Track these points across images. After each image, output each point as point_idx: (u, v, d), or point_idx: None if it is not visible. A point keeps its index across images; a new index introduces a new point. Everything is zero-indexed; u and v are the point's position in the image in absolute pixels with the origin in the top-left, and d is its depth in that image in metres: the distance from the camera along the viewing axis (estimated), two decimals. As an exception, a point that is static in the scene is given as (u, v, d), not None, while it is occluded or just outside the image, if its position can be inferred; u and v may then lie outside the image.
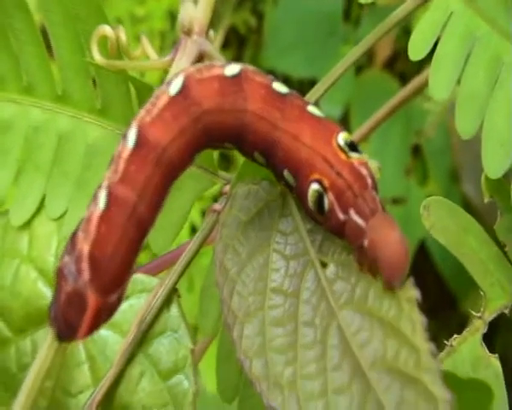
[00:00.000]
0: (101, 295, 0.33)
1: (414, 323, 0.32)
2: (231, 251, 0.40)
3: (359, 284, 0.35)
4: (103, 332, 0.47)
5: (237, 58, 1.48)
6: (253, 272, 0.39)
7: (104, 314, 0.34)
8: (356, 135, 0.75)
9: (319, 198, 0.36)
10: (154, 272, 0.49)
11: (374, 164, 0.38)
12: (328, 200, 0.35)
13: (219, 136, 0.36)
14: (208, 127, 0.35)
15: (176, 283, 0.46)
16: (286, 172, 0.37)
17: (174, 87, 0.35)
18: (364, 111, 1.19)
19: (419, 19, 0.55)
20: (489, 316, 0.46)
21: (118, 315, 0.47)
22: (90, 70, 0.47)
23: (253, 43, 1.50)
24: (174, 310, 0.46)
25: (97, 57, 0.43)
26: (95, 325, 0.34)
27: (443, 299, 1.20)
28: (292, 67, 1.33)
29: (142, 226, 0.34)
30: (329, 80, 0.55)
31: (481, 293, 0.47)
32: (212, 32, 0.40)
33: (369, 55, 1.40)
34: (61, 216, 0.47)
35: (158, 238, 0.47)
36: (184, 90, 0.35)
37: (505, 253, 0.47)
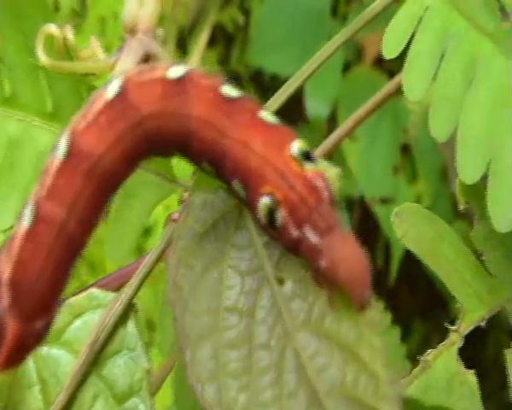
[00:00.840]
0: (24, 322, 0.30)
1: (374, 348, 0.30)
2: (185, 266, 0.37)
3: (317, 303, 0.33)
4: (55, 352, 0.44)
5: (224, 56, 1.45)
6: (208, 288, 0.36)
7: (29, 342, 0.31)
8: (340, 131, 0.71)
9: (271, 213, 0.33)
10: (111, 286, 0.46)
11: (334, 171, 0.36)
12: (281, 215, 0.32)
13: (162, 143, 0.33)
14: (149, 134, 0.32)
15: (132, 297, 0.43)
16: (236, 183, 0.34)
17: (111, 90, 0.32)
18: (353, 109, 1.17)
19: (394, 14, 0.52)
20: (465, 329, 0.43)
21: (71, 334, 0.45)
22: (40, 72, 0.45)
23: (241, 41, 1.47)
24: (131, 327, 0.43)
25: (42, 58, 0.40)
26: (18, 354, 0.31)
27: (434, 300, 1.17)
28: (278, 65, 1.30)
29: (73, 245, 0.31)
30: (304, 75, 0.52)
31: (458, 305, 0.44)
32: (161, 31, 0.38)
33: (357, 53, 1.37)
34: (9, 229, 0.44)
35: (113, 251, 0.44)
36: (122, 93, 0.32)
37: (482, 262, 0.44)
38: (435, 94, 0.46)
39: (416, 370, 0.42)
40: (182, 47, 1.33)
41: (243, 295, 0.35)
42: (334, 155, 1.23)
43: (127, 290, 0.43)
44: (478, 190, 0.43)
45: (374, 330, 0.30)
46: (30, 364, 0.44)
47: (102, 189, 0.32)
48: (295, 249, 0.33)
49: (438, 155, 1.15)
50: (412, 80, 0.47)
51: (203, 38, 1.37)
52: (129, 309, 0.43)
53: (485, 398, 0.43)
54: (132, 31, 0.36)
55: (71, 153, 0.31)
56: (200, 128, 0.33)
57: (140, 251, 0.72)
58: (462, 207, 0.44)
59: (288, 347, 0.33)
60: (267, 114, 0.34)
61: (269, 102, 0.50)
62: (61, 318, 0.44)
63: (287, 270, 0.35)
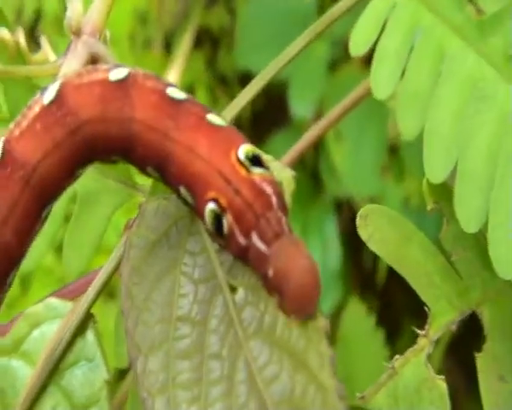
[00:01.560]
0: None
1: (322, 356, 0.28)
2: (138, 274, 0.36)
3: (268, 311, 0.31)
4: (13, 363, 0.42)
5: (210, 58, 1.44)
6: (160, 297, 0.35)
7: None
8: (321, 125, 0.70)
9: (217, 219, 0.31)
10: (70, 296, 0.45)
11: (288, 174, 0.34)
12: (227, 221, 0.31)
13: (104, 149, 0.32)
14: (89, 139, 0.31)
15: (90, 307, 0.42)
16: (182, 189, 0.33)
17: (48, 95, 0.31)
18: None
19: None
20: (434, 334, 0.42)
21: (29, 345, 0.44)
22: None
23: (227, 42, 1.46)
24: (89, 337, 0.42)
25: (-8, 63, 0.39)
26: None
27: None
28: (264, 66, 1.29)
29: (8, 257, 0.30)
30: (272, 71, 0.51)
31: (426, 309, 0.43)
32: (107, 33, 0.36)
33: (345, 51, 1.36)
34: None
35: (71, 259, 0.43)
36: (60, 97, 0.31)
37: (452, 264, 0.43)
38: (403, 91, 0.45)
39: (383, 377, 0.41)
40: (168, 50, 1.31)
41: (196, 303, 0.34)
42: (320, 156, 1.22)
43: (85, 300, 0.42)
44: (446, 190, 0.42)
45: (322, 337, 0.29)
46: (-13, 377, 0.43)
47: (39, 198, 0.31)
48: (243, 258, 0.31)
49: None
50: (380, 78, 0.46)
51: (188, 40, 1.36)
52: (87, 319, 0.42)
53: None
54: (77, 32, 0.35)
55: (5, 161, 0.30)
56: (143, 132, 0.31)
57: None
58: (429, 207, 0.43)
59: (239, 357, 0.32)
60: (214, 117, 0.32)
61: (236, 100, 0.49)
62: (18, 328, 0.43)
63: (239, 276, 0.34)
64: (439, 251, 0.43)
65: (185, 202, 0.33)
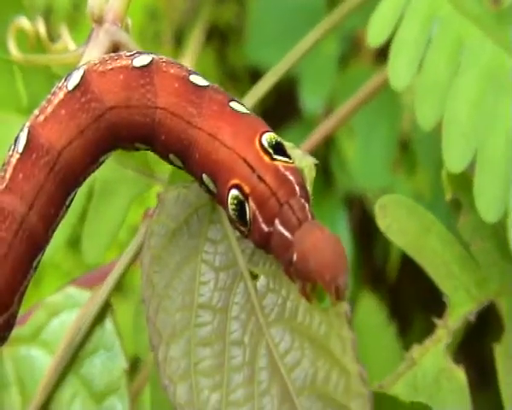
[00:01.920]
0: None
1: (344, 341, 0.28)
2: (159, 262, 0.36)
3: (290, 297, 0.31)
4: (32, 352, 0.43)
5: (221, 53, 1.44)
6: (181, 285, 0.35)
7: None
8: (331, 120, 0.70)
9: (240, 206, 0.31)
10: (90, 285, 0.45)
11: (309, 161, 0.34)
12: (250, 208, 0.30)
13: (127, 136, 0.32)
14: (113, 126, 0.31)
15: (109, 296, 0.42)
16: (205, 177, 0.32)
17: (73, 81, 0.31)
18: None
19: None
20: (454, 324, 0.42)
21: (48, 334, 0.44)
22: (15, 67, 0.43)
23: (237, 37, 1.46)
24: (108, 326, 0.42)
25: (13, 52, 0.39)
26: None
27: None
28: (275, 61, 1.28)
29: (34, 241, 0.30)
30: (285, 65, 0.52)
31: (445, 299, 0.43)
32: (129, 21, 0.36)
33: (354, 45, 1.35)
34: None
35: (90, 248, 0.43)
36: (84, 83, 0.31)
37: (471, 254, 0.43)
38: (421, 81, 0.45)
39: (401, 367, 0.41)
40: (178, 45, 1.31)
41: (217, 291, 0.34)
42: (331, 151, 1.22)
43: (104, 289, 0.42)
44: (466, 180, 0.42)
45: (343, 322, 0.29)
46: (7, 364, 0.43)
47: (65, 183, 0.31)
48: (266, 246, 0.31)
49: (438, 149, 1.13)
50: (398, 68, 0.46)
51: (198, 35, 1.36)
52: (106, 308, 0.42)
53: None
54: (99, 20, 0.35)
55: (31, 147, 0.30)
56: (166, 119, 0.31)
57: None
58: (448, 197, 0.43)
59: (260, 343, 0.32)
60: (237, 105, 0.32)
61: (248, 95, 0.49)
62: (37, 318, 0.43)
63: (260, 264, 0.34)
64: (457, 241, 0.43)
65: (207, 189, 0.33)
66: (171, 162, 0.33)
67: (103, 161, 0.33)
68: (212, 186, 0.32)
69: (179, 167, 0.34)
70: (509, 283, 0.43)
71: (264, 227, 0.30)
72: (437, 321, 0.42)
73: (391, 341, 0.83)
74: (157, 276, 0.36)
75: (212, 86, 0.33)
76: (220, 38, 1.44)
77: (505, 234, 0.40)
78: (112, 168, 0.43)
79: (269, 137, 0.31)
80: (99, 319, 0.42)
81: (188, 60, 1.24)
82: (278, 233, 0.30)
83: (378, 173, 1.16)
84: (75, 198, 0.38)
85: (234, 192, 0.31)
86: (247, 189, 0.31)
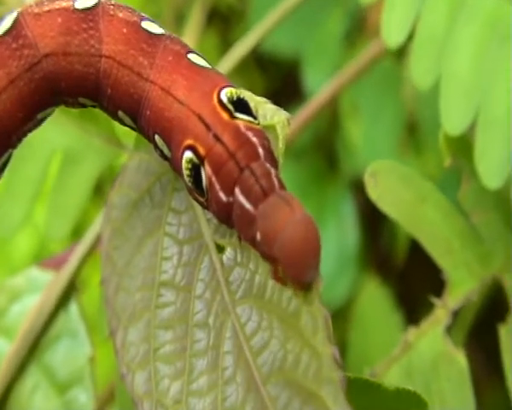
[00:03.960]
0: None
1: (315, 319, 0.24)
2: (119, 237, 0.33)
3: (259, 271, 0.28)
4: (-7, 340, 0.39)
5: (222, 36, 1.40)
6: (143, 261, 0.31)
7: None
8: (324, 92, 0.66)
9: (195, 172, 0.27)
10: (57, 268, 0.41)
11: (282, 116, 0.30)
12: (206, 173, 0.26)
13: (67, 88, 0.28)
14: (50, 76, 0.27)
15: (74, 277, 0.38)
16: (158, 138, 0.28)
17: (4, 25, 0.27)
18: (358, 84, 1.11)
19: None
20: (454, 304, 0.38)
21: (9, 319, 0.40)
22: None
23: (240, 19, 1.42)
24: (72, 311, 0.38)
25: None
26: None
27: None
28: (277, 43, 1.24)
29: None
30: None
31: (444, 277, 0.38)
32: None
33: (359, 22, 1.31)
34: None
35: (54, 224, 0.40)
36: (16, 28, 0.27)
37: (472, 226, 0.39)
38: (417, 37, 0.41)
39: (395, 352, 0.37)
40: (179, 28, 1.28)
41: (181, 267, 0.30)
42: (336, 134, 1.17)
43: (67, 269, 0.38)
44: (466, 144, 0.37)
45: (314, 297, 0.25)
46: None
47: None
48: (227, 220, 0.27)
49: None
50: (391, 24, 0.42)
51: (199, 17, 1.32)
52: (70, 290, 0.38)
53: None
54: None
55: None
56: (112, 70, 0.27)
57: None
58: (447, 163, 0.38)
59: (226, 325, 0.28)
60: (197, 57, 0.28)
61: (232, 51, 0.47)
62: (-4, 301, 0.40)
63: (228, 234, 0.30)
64: (457, 213, 0.39)
65: (162, 154, 0.29)
66: (121, 121, 0.29)
67: (43, 120, 0.29)
68: (166, 150, 0.28)
69: (131, 128, 0.30)
70: (516, 257, 0.38)
71: (223, 196, 0.26)
72: (435, 301, 0.38)
73: (396, 330, 0.79)
74: (117, 252, 0.32)
75: (170, 35, 0.29)
76: (222, 20, 1.40)
77: (509, 205, 0.36)
78: (75, 136, 0.39)
79: (229, 91, 0.27)
80: (63, 302, 0.38)
81: (189, 42, 1.20)
82: (239, 204, 0.26)
83: (385, 156, 1.12)
84: (33, 170, 0.35)
85: (188, 154, 0.27)
86: (201, 150, 0.26)
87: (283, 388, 0.24)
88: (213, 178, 0.26)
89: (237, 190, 0.26)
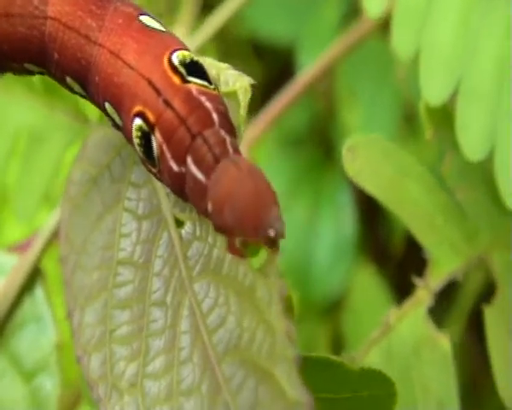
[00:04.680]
0: None
1: (270, 291, 0.23)
2: (78, 215, 0.31)
3: (217, 245, 0.26)
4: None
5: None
6: (101, 239, 0.30)
7: None
8: (308, 75, 0.64)
9: (146, 140, 0.25)
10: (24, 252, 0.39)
11: (244, 81, 0.28)
12: (156, 141, 0.25)
13: (11, 53, 0.26)
14: None
15: (39, 260, 0.37)
16: (108, 106, 0.27)
17: None
18: (352, 72, 1.09)
19: None
20: (436, 284, 0.36)
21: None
22: None
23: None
24: (38, 295, 0.37)
25: None
26: None
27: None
28: (272, 27, 1.22)
29: None
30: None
31: (426, 256, 0.37)
32: None
33: (355, 8, 1.29)
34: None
35: (21, 203, 0.38)
36: None
37: (457, 203, 0.37)
38: (398, 6, 0.39)
39: (375, 334, 0.35)
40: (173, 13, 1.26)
41: (139, 244, 0.29)
42: (333, 122, 1.16)
43: (31, 253, 0.37)
44: (446, 114, 0.36)
45: (271, 268, 0.23)
46: None
47: None
48: (181, 192, 0.25)
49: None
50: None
51: (191, 6, 1.30)
52: (35, 275, 0.37)
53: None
54: None
55: None
56: (58, 32, 0.26)
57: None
58: (429, 135, 0.36)
59: (183, 303, 0.26)
60: (150, 20, 0.27)
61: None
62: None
63: (188, 208, 0.28)
64: (441, 188, 0.37)
65: (113, 123, 0.27)
66: (71, 89, 0.28)
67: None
68: (117, 118, 0.26)
69: (82, 96, 0.28)
70: (502, 235, 0.36)
71: (174, 166, 0.24)
72: (417, 280, 0.36)
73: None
74: (76, 230, 0.31)
75: None
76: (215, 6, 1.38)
77: (495, 180, 0.34)
78: (41, 114, 0.38)
79: (181, 54, 0.25)
80: (28, 287, 0.37)
81: (181, 33, 1.18)
82: (191, 174, 0.24)
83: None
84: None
85: (137, 122, 0.25)
86: (151, 116, 0.25)
87: (238, 367, 0.23)
88: (164, 147, 0.24)
89: (189, 160, 0.24)
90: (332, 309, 0.96)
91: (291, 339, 0.21)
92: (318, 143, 1.17)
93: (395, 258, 1.07)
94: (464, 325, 0.89)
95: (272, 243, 0.22)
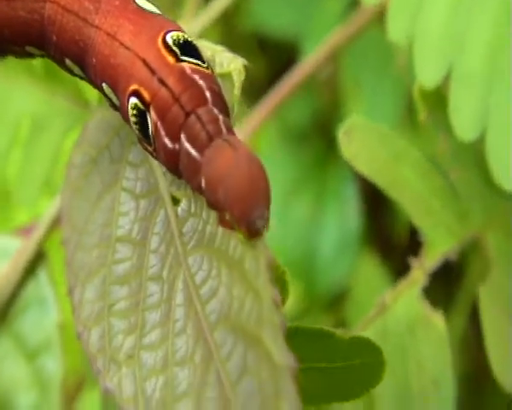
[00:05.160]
0: None
1: (258, 261, 0.23)
2: (79, 196, 0.32)
3: (210, 221, 0.27)
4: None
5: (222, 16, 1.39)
6: (100, 218, 0.31)
7: None
8: (308, 65, 0.64)
9: (142, 118, 0.26)
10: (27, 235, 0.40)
11: (238, 63, 0.29)
12: (151, 119, 0.25)
13: (12, 36, 0.27)
14: None
15: (42, 244, 0.38)
16: (105, 87, 0.27)
17: None
18: (356, 64, 1.09)
19: None
20: (431, 264, 0.37)
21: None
22: None
23: None
24: (41, 278, 0.37)
25: None
26: None
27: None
28: (276, 21, 1.23)
29: None
30: None
31: (422, 237, 0.37)
32: None
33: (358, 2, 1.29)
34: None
35: (22, 190, 0.39)
36: None
37: (451, 184, 0.37)
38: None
39: (370, 314, 0.36)
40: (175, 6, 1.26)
41: (137, 222, 0.30)
42: (336, 115, 1.16)
43: (35, 236, 0.38)
44: (439, 97, 0.36)
45: (258, 241, 0.24)
46: None
47: None
48: (175, 169, 0.26)
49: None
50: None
51: None
52: (38, 257, 0.38)
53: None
54: None
55: None
56: (57, 15, 0.27)
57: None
58: (423, 117, 0.37)
59: (178, 277, 0.27)
60: (145, 3, 0.27)
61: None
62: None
63: (183, 186, 0.29)
64: (435, 170, 0.37)
65: (111, 103, 0.28)
66: (70, 71, 0.29)
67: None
68: (114, 98, 0.27)
69: (81, 78, 0.29)
70: (495, 216, 0.37)
71: (168, 143, 0.25)
72: (412, 261, 0.37)
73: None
74: (77, 211, 0.31)
75: None
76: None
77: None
78: (41, 100, 0.38)
79: (175, 34, 0.26)
80: (31, 270, 0.38)
81: (185, 22, 1.19)
82: (185, 151, 0.25)
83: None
84: (3, 136, 0.34)
85: (133, 100, 0.26)
86: (146, 95, 0.25)
87: (229, 334, 0.23)
88: (159, 124, 0.25)
89: (183, 137, 0.25)
90: (336, 301, 0.96)
91: (277, 306, 0.22)
92: (322, 136, 1.17)
93: (400, 249, 1.08)
94: (468, 315, 0.89)
95: (252, 234, 0.23)
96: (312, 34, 1.13)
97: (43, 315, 0.37)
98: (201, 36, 0.44)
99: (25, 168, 0.39)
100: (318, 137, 1.15)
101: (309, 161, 1.13)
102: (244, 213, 0.23)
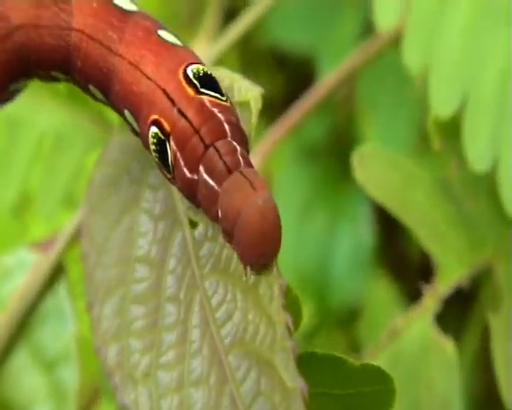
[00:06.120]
0: None
1: (271, 287, 0.24)
2: (99, 214, 0.33)
3: (227, 245, 0.27)
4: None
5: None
6: (120, 237, 0.32)
7: None
8: (322, 87, 0.65)
9: (161, 147, 0.27)
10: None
11: (255, 91, 0.29)
12: (171, 149, 0.26)
13: (39, 61, 0.28)
14: (21, 48, 0.28)
15: (61, 257, 0.39)
16: (127, 113, 0.28)
17: (-24, -1, 0.28)
18: (372, 84, 1.10)
19: None
20: (443, 291, 0.37)
21: (1, 297, 0.41)
22: None
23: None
24: (60, 291, 0.38)
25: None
26: None
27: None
28: (295, 40, 1.24)
29: None
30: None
31: (434, 263, 0.38)
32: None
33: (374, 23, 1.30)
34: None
35: (44, 204, 0.40)
36: None
37: (462, 212, 0.38)
38: (410, 20, 0.40)
39: (383, 339, 0.36)
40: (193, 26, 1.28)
41: (155, 243, 0.30)
42: (351, 136, 1.17)
43: (54, 250, 0.39)
44: (453, 126, 0.37)
45: (272, 267, 0.24)
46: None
47: None
48: (193, 198, 0.27)
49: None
50: (383, 10, 0.41)
51: (212, 14, 1.32)
52: (58, 271, 0.39)
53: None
54: None
55: None
56: (82, 43, 0.28)
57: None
58: (436, 146, 0.38)
59: (195, 299, 0.28)
60: (168, 34, 0.29)
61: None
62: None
63: (201, 211, 0.30)
64: (447, 198, 0.38)
65: (132, 129, 0.29)
66: (93, 96, 0.30)
67: (16, 92, 0.29)
68: (135, 125, 0.28)
69: (104, 103, 0.30)
70: (507, 244, 0.37)
71: (187, 173, 0.26)
72: (424, 287, 0.37)
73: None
74: (96, 228, 0.32)
75: (140, 11, 0.29)
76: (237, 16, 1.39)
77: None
78: (65, 119, 0.40)
79: (196, 67, 0.27)
80: (50, 283, 0.39)
81: (203, 42, 1.20)
82: (203, 182, 0.25)
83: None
84: (23, 153, 0.35)
85: (153, 129, 0.27)
86: (166, 125, 0.26)
87: (243, 358, 0.24)
88: (178, 154, 0.26)
89: (202, 168, 0.26)
90: (349, 319, 0.97)
91: (290, 332, 0.23)
92: (337, 155, 1.18)
93: (412, 270, 1.08)
94: (480, 338, 0.89)
95: (257, 272, 0.25)
96: (329, 52, 1.14)
97: (60, 328, 0.38)
98: (220, 55, 0.45)
99: (45, 182, 0.40)
100: (333, 156, 1.16)
101: (324, 179, 1.14)
102: (249, 260, 0.24)
